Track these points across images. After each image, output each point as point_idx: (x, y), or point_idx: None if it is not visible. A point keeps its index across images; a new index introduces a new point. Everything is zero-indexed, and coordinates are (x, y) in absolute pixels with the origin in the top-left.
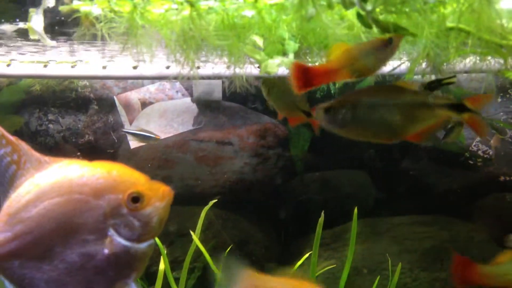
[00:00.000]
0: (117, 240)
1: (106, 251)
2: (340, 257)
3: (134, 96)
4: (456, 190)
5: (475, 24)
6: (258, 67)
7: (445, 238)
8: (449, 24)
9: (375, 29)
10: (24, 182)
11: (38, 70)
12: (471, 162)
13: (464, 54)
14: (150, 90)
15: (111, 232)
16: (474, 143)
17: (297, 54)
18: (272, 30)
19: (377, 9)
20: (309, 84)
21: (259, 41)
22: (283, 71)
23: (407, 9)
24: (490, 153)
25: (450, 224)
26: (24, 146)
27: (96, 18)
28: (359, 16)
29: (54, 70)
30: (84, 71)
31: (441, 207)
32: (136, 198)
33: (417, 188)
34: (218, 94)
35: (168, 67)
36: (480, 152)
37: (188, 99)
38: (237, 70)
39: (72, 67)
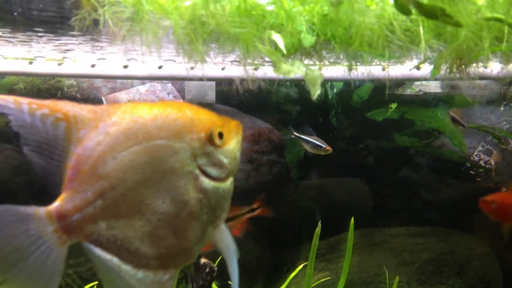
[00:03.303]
0: (206, 181)
1: (198, 194)
2: (335, 269)
3: (123, 97)
4: (456, 200)
5: None
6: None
7: (444, 250)
8: (495, 14)
9: (413, 16)
10: (86, 135)
11: (23, 67)
12: (472, 172)
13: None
14: (140, 91)
15: (199, 174)
16: (475, 153)
17: (313, 48)
18: (290, 19)
19: None
20: None
21: (279, 41)
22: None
23: None
24: (492, 163)
25: (449, 235)
26: (65, 103)
27: (99, 2)
28: (396, 0)
29: (40, 67)
30: (72, 69)
31: (440, 218)
32: (220, 134)
33: (416, 198)
34: (211, 97)
35: (160, 67)
36: (481, 162)
37: (181, 101)
38: (250, 69)
39: (59, 64)
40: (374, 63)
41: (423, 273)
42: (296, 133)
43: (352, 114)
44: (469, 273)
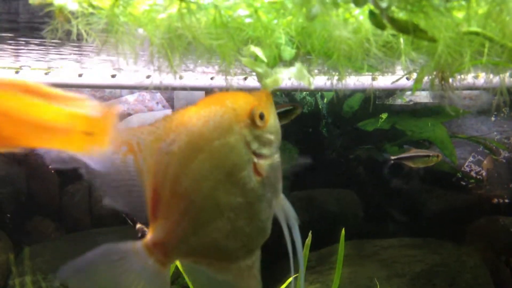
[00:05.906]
0: (262, 162)
1: (259, 177)
2: (326, 281)
3: None
4: (448, 211)
5: (500, 30)
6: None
7: (436, 262)
8: (471, 28)
9: (388, 31)
10: (153, 159)
11: (10, 77)
12: (463, 183)
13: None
14: (128, 100)
15: (255, 157)
16: (466, 163)
17: (294, 61)
18: (269, 32)
19: (393, 7)
20: None
21: (260, 53)
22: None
23: (426, 9)
24: (483, 174)
25: (441, 247)
26: (124, 131)
27: (72, 13)
28: (371, 15)
29: (27, 77)
30: (59, 79)
31: (432, 229)
32: (261, 115)
33: (407, 209)
34: None
35: (149, 77)
36: (472, 173)
37: (169, 111)
38: (229, 78)
39: (46, 74)
40: (354, 74)
41: (415, 285)
42: (393, 157)
43: (343, 124)
44: (461, 285)
